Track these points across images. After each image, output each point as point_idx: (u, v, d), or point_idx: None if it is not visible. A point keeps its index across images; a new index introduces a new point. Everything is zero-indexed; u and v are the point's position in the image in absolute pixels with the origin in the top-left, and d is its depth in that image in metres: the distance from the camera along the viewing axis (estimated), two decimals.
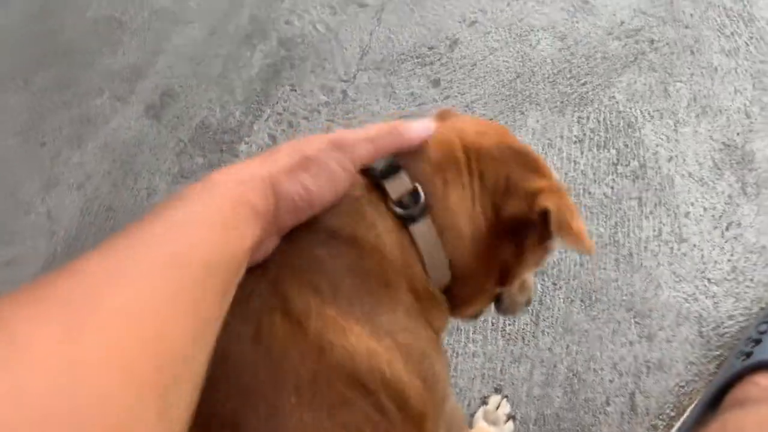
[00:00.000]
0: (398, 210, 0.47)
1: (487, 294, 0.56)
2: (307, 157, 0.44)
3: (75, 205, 1.40)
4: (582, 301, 1.00)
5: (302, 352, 0.40)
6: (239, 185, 0.40)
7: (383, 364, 0.42)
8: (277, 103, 1.36)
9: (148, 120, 1.47)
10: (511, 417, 0.95)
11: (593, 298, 1.00)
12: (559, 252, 1.04)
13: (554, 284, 1.02)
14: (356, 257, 0.45)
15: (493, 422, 0.95)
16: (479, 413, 0.96)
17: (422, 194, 0.48)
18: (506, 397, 0.96)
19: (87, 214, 1.37)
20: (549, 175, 0.53)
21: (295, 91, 1.37)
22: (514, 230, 0.51)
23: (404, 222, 0.48)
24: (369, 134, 0.47)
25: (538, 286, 1.02)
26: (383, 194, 0.48)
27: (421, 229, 0.48)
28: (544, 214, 0.48)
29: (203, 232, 0.36)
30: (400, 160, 0.49)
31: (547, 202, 0.48)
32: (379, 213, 0.47)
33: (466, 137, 0.52)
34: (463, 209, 0.50)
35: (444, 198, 0.49)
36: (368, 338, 0.42)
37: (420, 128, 0.50)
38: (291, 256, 0.44)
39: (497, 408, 0.96)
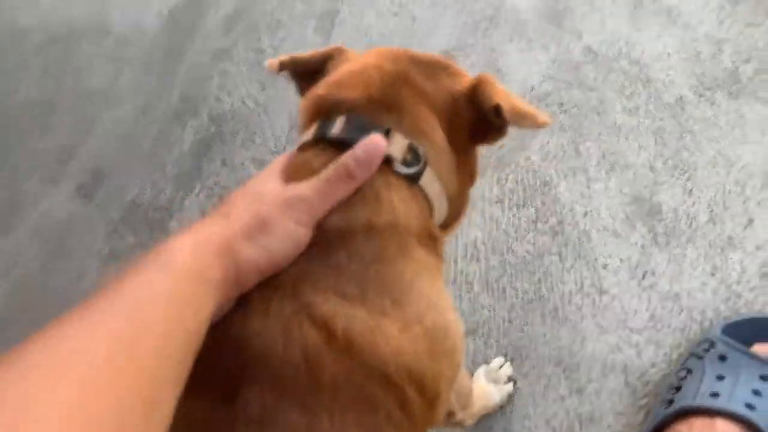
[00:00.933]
0: (407, 171, 0.48)
1: (467, 200, 0.60)
2: (264, 219, 0.43)
3: (1, 292, 1.35)
4: (512, 358, 1.01)
5: (335, 355, 0.40)
6: (196, 254, 0.39)
7: (409, 359, 0.42)
8: (209, 177, 1.37)
9: (79, 200, 1.46)
10: (512, 380, 0.98)
11: (523, 355, 1.01)
12: (488, 311, 1.06)
13: (485, 343, 1.04)
14: (377, 245, 0.45)
15: (494, 381, 0.97)
16: (480, 370, 0.98)
17: (420, 147, 0.49)
18: (511, 360, 1.00)
19: (13, 301, 1.33)
20: (462, 70, 0.56)
21: (226, 165, 1.38)
22: (473, 134, 0.54)
23: (412, 180, 0.48)
24: (322, 188, 0.45)
25: (470, 346, 1.04)
26: (385, 161, 0.47)
27: (428, 179, 0.49)
28: (497, 110, 0.49)
29: (157, 311, 0.34)
30: (377, 117, 0.49)
31: (494, 98, 0.49)
32: (388, 185, 0.47)
33: (401, 70, 0.52)
34: (444, 141, 0.51)
35: (432, 139, 0.50)
36: (397, 334, 0.42)
37: (368, 159, 0.46)
38: (307, 268, 0.44)
39: (500, 368, 0.99)
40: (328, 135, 0.48)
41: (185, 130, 1.47)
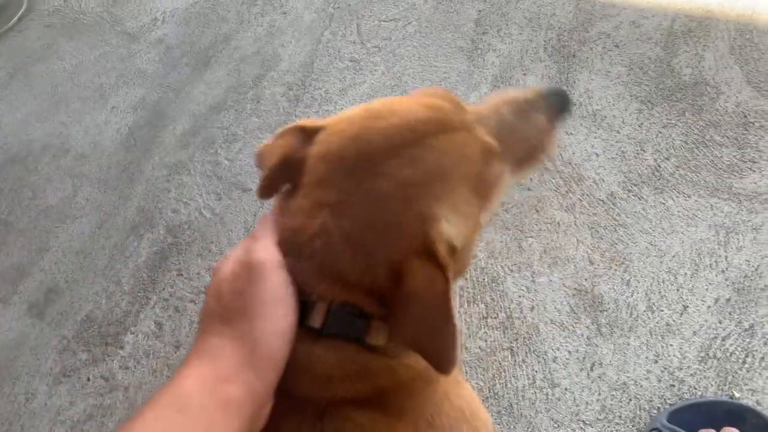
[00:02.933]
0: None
1: None
2: (249, 305, 0.43)
3: None
4: None
5: None
6: (206, 383, 0.40)
7: None
8: (164, 289, 1.38)
9: (30, 319, 1.43)
10: None
11: None
12: None
13: None
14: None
15: None
16: None
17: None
18: None
19: None
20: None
21: (182, 275, 1.40)
22: None
23: None
24: (269, 238, 0.48)
25: None
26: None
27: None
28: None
29: None
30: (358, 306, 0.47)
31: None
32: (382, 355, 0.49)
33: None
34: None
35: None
36: None
37: None
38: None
39: None
40: (309, 324, 0.47)
41: (141, 243, 1.49)
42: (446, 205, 0.47)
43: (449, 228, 0.46)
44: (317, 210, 0.47)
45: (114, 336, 1.35)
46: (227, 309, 0.44)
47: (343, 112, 0.53)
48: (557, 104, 0.57)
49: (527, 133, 0.56)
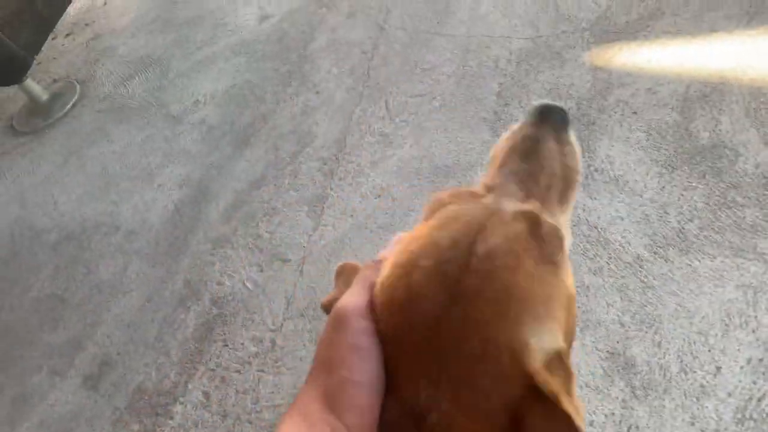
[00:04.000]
0: None
1: None
2: (336, 360, 0.46)
3: None
4: None
5: None
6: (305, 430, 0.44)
7: None
8: (210, 359, 1.45)
9: (86, 391, 1.51)
10: None
11: None
12: None
13: None
14: None
15: None
16: None
17: None
18: None
19: None
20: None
21: (227, 346, 1.46)
22: None
23: None
24: (359, 286, 0.48)
25: None
26: None
27: None
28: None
29: None
30: None
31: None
32: None
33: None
34: None
35: None
36: None
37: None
38: None
39: None
40: None
41: (188, 315, 1.57)
42: (526, 320, 0.42)
43: (541, 340, 0.42)
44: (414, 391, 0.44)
45: (164, 407, 1.41)
46: (319, 358, 0.49)
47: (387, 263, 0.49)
48: (555, 120, 0.53)
49: (550, 168, 0.51)
